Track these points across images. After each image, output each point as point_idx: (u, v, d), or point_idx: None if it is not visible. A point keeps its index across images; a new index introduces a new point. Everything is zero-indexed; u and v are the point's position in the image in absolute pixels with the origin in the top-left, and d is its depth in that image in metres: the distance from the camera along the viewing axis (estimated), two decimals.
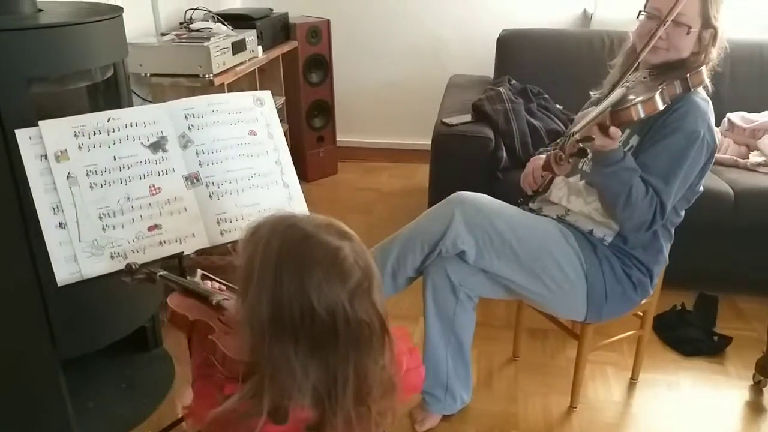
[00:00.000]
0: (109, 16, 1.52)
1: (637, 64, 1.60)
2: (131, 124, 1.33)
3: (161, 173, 1.34)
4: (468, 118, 2.47)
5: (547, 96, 2.65)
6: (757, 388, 1.96)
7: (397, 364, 0.91)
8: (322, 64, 3.43)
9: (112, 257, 1.26)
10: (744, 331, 2.22)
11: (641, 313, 1.89)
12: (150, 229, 1.31)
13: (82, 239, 1.24)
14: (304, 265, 0.80)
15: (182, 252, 1.32)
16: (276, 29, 3.12)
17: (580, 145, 1.40)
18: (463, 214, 1.62)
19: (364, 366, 0.83)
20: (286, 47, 3.18)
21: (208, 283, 1.15)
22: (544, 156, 1.65)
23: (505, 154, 2.36)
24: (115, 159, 1.30)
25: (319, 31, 3.36)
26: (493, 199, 1.70)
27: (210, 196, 1.38)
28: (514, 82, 2.72)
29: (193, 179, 1.37)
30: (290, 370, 0.80)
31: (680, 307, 2.29)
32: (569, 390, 1.92)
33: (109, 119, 1.31)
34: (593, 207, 1.66)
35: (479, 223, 1.62)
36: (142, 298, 1.82)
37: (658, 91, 1.47)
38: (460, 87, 3.04)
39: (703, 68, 1.56)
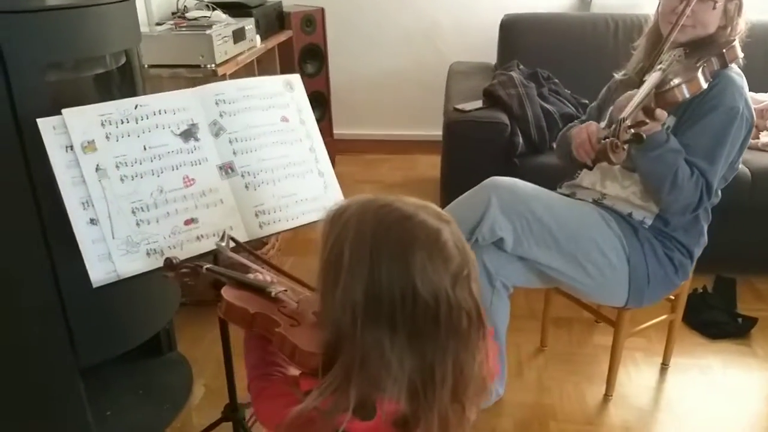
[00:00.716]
0: None
1: (665, 44, 1.56)
2: (160, 111, 1.23)
3: (194, 163, 1.25)
4: (480, 104, 2.42)
5: (557, 80, 2.61)
6: None
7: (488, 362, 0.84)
8: (317, 54, 3.34)
9: (148, 254, 1.17)
10: (765, 312, 2.21)
11: (672, 297, 1.86)
12: (186, 223, 1.22)
13: (115, 236, 1.15)
14: (405, 246, 0.73)
15: (218, 246, 1.23)
16: (271, 18, 3.02)
17: (633, 131, 1.35)
18: (500, 199, 1.56)
19: (462, 359, 0.76)
20: (281, 37, 3.07)
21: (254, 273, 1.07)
22: (594, 124, 1.60)
23: (521, 140, 2.31)
24: (145, 149, 1.20)
25: (313, 20, 3.27)
26: (528, 183, 1.65)
27: (246, 186, 1.29)
28: (522, 66, 2.67)
29: (227, 169, 1.28)
30: (384, 360, 0.73)
31: (702, 291, 2.27)
32: (600, 378, 1.88)
33: (136, 106, 1.21)
34: (631, 191, 1.61)
35: (517, 208, 1.56)
36: (159, 301, 1.72)
37: (699, 70, 1.43)
38: (464, 74, 2.98)
39: (736, 42, 1.53)
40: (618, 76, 1.80)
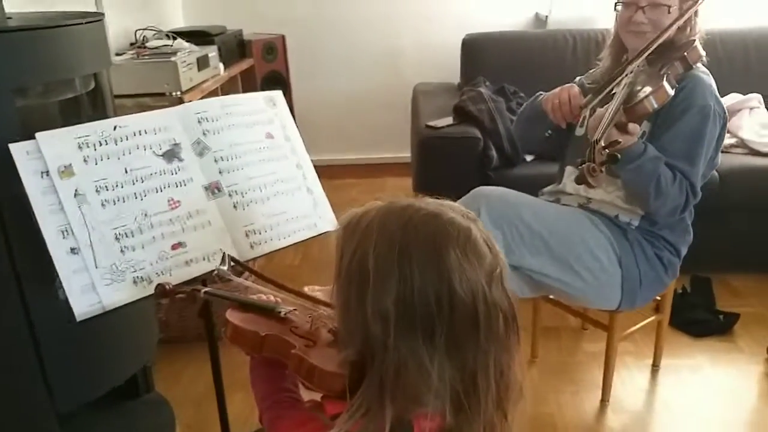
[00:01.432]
0: (91, 20, 1.36)
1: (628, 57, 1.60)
2: (140, 131, 1.17)
3: (179, 184, 1.19)
4: (450, 120, 2.42)
5: (522, 95, 2.65)
6: None
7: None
8: (279, 80, 3.30)
9: (135, 282, 1.10)
10: (744, 308, 2.24)
11: (658, 298, 1.86)
12: (174, 247, 1.15)
13: (99, 265, 1.07)
14: (438, 245, 0.69)
15: (214, 270, 1.16)
16: (232, 46, 2.98)
17: (607, 152, 1.35)
18: (489, 208, 1.54)
19: (503, 363, 0.72)
20: (243, 65, 3.04)
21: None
22: (576, 87, 1.61)
23: (495, 153, 2.32)
24: (126, 171, 1.14)
25: (274, 48, 3.25)
26: (514, 191, 1.64)
27: (234, 206, 1.23)
28: (488, 83, 2.70)
29: (213, 189, 1.22)
30: (422, 372, 0.69)
31: (681, 291, 2.30)
32: (594, 384, 1.86)
33: (115, 127, 1.15)
34: (615, 195, 1.62)
35: (506, 216, 1.54)
36: (138, 338, 1.62)
37: (664, 78, 1.45)
38: (429, 93, 3.00)
39: (697, 42, 1.57)
40: (585, 81, 1.82)
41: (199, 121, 1.24)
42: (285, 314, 0.91)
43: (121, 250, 1.10)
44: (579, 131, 1.73)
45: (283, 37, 3.29)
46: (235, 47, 3.01)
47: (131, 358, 1.61)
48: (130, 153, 1.15)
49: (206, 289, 1.00)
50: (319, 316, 0.88)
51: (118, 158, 1.14)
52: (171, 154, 1.19)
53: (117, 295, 1.08)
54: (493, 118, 2.37)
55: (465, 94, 2.52)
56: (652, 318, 1.90)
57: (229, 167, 1.24)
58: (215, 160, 1.23)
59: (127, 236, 1.11)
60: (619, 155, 1.34)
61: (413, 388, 0.69)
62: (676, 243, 1.63)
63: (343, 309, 0.74)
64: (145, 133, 1.18)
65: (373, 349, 0.70)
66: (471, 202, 1.58)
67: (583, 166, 1.32)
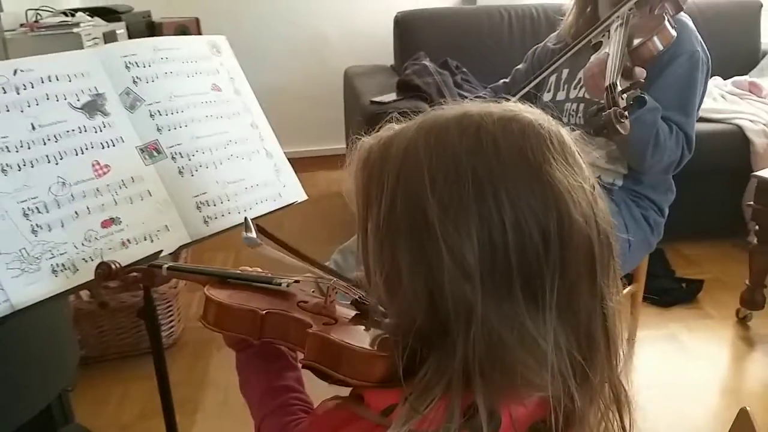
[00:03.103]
0: None
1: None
2: (50, 77, 0.90)
3: (106, 145, 0.92)
4: (395, 96, 2.24)
5: (465, 69, 2.52)
6: (743, 324, 1.93)
7: None
8: None
9: (54, 272, 0.82)
10: (701, 275, 2.21)
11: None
12: (104, 224, 0.88)
13: (2, 250, 0.79)
14: (533, 159, 0.49)
15: (160, 251, 0.91)
16: (141, 27, 2.66)
17: (627, 95, 1.22)
18: None
19: (612, 314, 0.53)
20: None
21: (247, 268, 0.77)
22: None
23: None
24: (34, 128, 0.86)
25: (187, 31, 2.94)
26: None
27: (180, 172, 0.98)
28: (429, 59, 2.55)
29: (151, 151, 0.96)
30: (527, 342, 0.49)
31: None
32: None
33: (15, 71, 0.87)
34: (595, 156, 1.49)
35: None
36: (54, 359, 1.31)
37: (665, 19, 1.35)
38: (364, 74, 2.81)
39: None
40: (551, 45, 1.70)
41: (126, 66, 0.97)
42: (288, 286, 0.68)
43: (33, 230, 0.82)
44: (546, 96, 1.61)
45: (197, 21, 2.99)
46: (144, 28, 2.69)
47: (46, 383, 1.30)
48: (37, 104, 0.87)
49: (170, 263, 0.75)
50: (333, 287, 0.66)
51: (22, 111, 0.86)
52: (93, 107, 0.92)
53: (30, 289, 0.80)
54: (441, 92, 2.22)
55: (408, 68, 2.35)
56: (627, 289, 1.80)
57: (169, 124, 0.99)
58: (151, 115, 0.97)
59: (39, 212, 0.83)
60: (644, 95, 1.21)
61: (514, 367, 0.49)
62: (659, 202, 1.53)
63: (388, 273, 0.52)
64: (57, 79, 0.90)
65: (445, 321, 0.50)
66: None
67: (607, 112, 1.17)
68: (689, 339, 1.89)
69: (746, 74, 2.68)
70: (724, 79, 2.66)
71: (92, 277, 0.83)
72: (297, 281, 0.69)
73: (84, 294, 1.81)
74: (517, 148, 0.49)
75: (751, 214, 1.84)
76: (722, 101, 2.49)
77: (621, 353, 0.54)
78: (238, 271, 0.73)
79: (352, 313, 0.63)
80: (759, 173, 1.81)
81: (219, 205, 1.00)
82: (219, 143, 1.04)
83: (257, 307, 0.63)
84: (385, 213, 0.51)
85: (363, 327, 0.61)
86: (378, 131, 0.59)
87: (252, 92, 1.14)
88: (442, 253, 0.48)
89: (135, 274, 0.75)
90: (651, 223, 1.51)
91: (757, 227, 1.82)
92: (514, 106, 0.53)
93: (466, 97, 2.02)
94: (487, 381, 0.49)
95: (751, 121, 2.29)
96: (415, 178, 0.50)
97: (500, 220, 0.47)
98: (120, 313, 1.85)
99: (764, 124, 2.27)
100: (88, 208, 0.87)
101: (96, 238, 0.87)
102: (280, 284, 0.68)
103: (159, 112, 0.98)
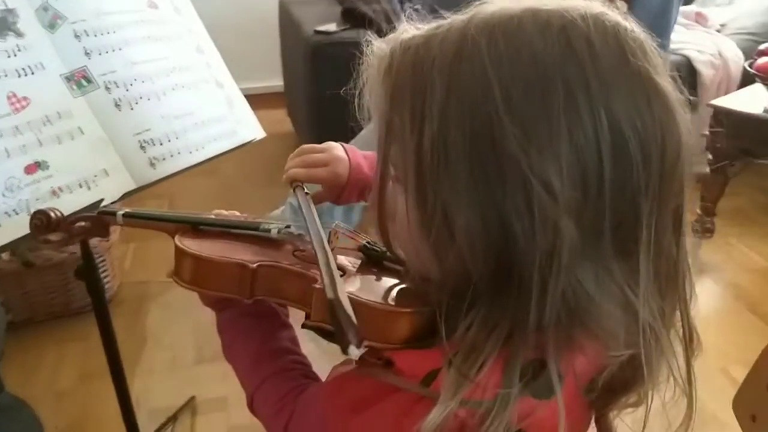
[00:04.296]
0: None
1: None
2: None
3: (22, 73, 0.75)
4: (340, 26, 2.08)
5: None
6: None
7: None
8: None
9: None
10: None
11: None
12: (29, 170, 0.73)
13: None
14: (625, 58, 0.39)
15: (100, 201, 0.76)
16: None
17: None
18: None
19: (686, 251, 0.45)
20: None
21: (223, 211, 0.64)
22: None
23: None
24: None
25: None
26: None
27: (117, 105, 0.82)
28: None
29: (79, 80, 0.80)
30: (613, 289, 0.40)
31: None
32: None
33: None
34: None
35: None
36: None
37: None
38: (302, 3, 2.60)
39: None
40: None
41: None
42: (279, 232, 0.56)
43: None
44: None
45: None
46: None
47: None
48: None
49: (126, 209, 0.61)
50: (335, 231, 0.55)
51: None
52: (2, 26, 0.75)
53: None
54: (390, 20, 2.07)
55: None
56: None
57: (99, 46, 0.82)
58: (76, 36, 0.81)
59: None
60: None
61: (599, 320, 0.40)
62: None
63: (433, 219, 0.42)
64: None
65: (511, 271, 0.40)
66: None
67: None
68: None
69: (691, 3, 2.67)
70: None
71: (18, 233, 0.69)
72: (288, 227, 0.57)
73: (5, 253, 1.62)
74: (617, 51, 0.39)
75: (706, 143, 1.84)
76: None
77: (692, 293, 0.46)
78: (212, 216, 0.61)
79: (357, 261, 0.53)
80: (714, 102, 1.80)
81: (166, 144, 0.85)
82: (160, 70, 0.88)
83: (245, 259, 0.51)
84: (432, 140, 0.40)
85: (374, 277, 0.51)
86: (388, 34, 0.47)
87: (195, 13, 0.98)
88: (521, 186, 0.38)
89: (82, 223, 0.61)
90: None
91: (710, 156, 1.83)
92: (578, 2, 0.42)
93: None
94: (560, 336, 0.40)
95: (698, 51, 2.28)
96: (479, 92, 0.39)
97: (595, 140, 0.38)
98: (47, 272, 1.67)
99: (711, 55, 2.27)
100: (6, 150, 0.72)
101: (19, 187, 0.72)
102: (269, 230, 0.56)
103: (86, 32, 0.82)
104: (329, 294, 0.38)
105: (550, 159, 0.37)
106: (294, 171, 0.65)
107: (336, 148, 0.69)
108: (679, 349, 0.45)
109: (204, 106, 0.92)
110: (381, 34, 1.65)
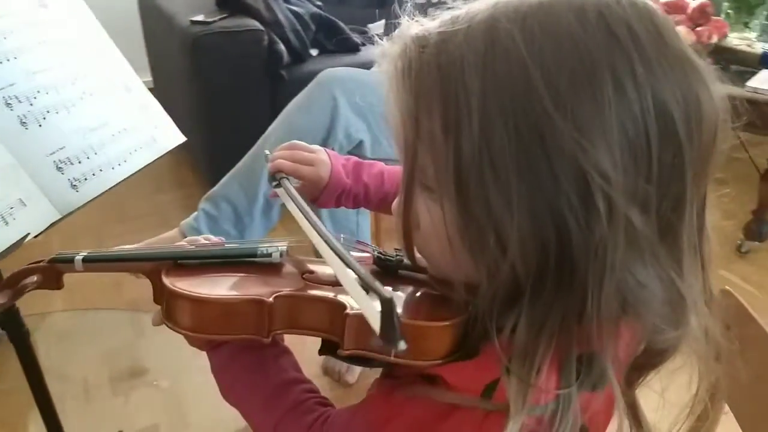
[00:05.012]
0: None
1: None
2: None
3: None
4: (217, 15, 1.95)
5: None
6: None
7: None
8: None
9: None
10: None
11: None
12: None
13: None
14: (672, 46, 0.39)
15: (25, 236, 0.65)
16: None
17: None
18: (347, 94, 1.25)
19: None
20: None
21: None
22: None
23: (283, 48, 1.96)
24: None
25: None
26: (362, 69, 1.36)
27: (23, 123, 0.71)
28: None
29: None
30: (662, 274, 0.40)
31: None
32: None
33: None
34: None
35: (367, 100, 1.26)
36: None
37: None
38: None
39: None
40: None
41: None
42: (281, 255, 0.51)
43: None
44: None
45: None
46: None
47: None
48: None
49: (85, 253, 0.52)
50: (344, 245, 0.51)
51: None
52: None
53: None
54: (269, 7, 1.98)
55: None
56: None
57: None
58: None
59: None
60: None
61: (650, 307, 0.40)
62: None
63: (475, 222, 0.39)
64: None
65: (561, 266, 0.39)
66: (321, 90, 1.26)
67: None
68: None
69: None
70: None
71: None
72: (285, 245, 0.52)
73: None
74: (656, 34, 0.38)
75: None
76: None
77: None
78: (192, 247, 0.54)
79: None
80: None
81: (85, 162, 0.75)
82: (64, 78, 0.78)
83: (258, 293, 0.46)
84: (472, 145, 0.38)
85: (399, 291, 0.48)
86: (393, 31, 0.44)
87: (88, 10, 0.87)
88: (575, 180, 0.37)
89: (33, 278, 0.52)
90: None
91: None
92: None
93: (297, 12, 1.84)
94: (609, 326, 0.40)
95: None
96: (520, 88, 0.37)
97: (644, 125, 0.37)
98: None
99: None
100: None
101: None
102: (269, 254, 0.51)
103: None
104: (385, 294, 0.35)
105: (603, 149, 0.37)
106: (281, 162, 0.65)
107: (322, 152, 0.69)
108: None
109: (117, 114, 0.82)
110: (262, 21, 1.59)
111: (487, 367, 0.41)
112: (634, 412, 0.48)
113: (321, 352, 0.48)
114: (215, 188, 1.32)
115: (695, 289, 0.42)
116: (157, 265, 0.50)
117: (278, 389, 0.52)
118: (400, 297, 0.47)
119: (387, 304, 0.34)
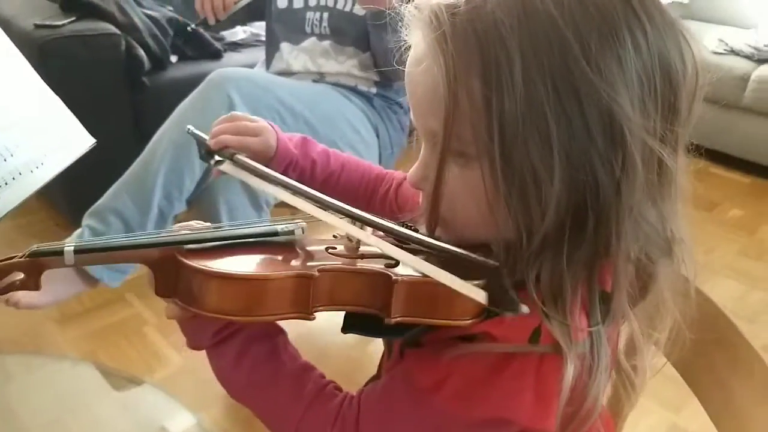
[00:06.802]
0: None
1: None
2: None
3: None
4: (64, 18, 1.78)
5: None
6: None
7: None
8: None
9: None
10: None
11: None
12: None
13: None
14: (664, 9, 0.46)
15: None
16: None
17: None
18: (241, 93, 1.23)
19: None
20: None
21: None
22: None
23: (144, 53, 1.84)
24: None
25: None
26: (254, 70, 1.34)
27: None
28: None
29: None
30: (663, 212, 0.47)
31: None
32: None
33: None
34: (350, 64, 1.48)
35: (263, 99, 1.26)
36: None
37: None
38: None
39: None
40: None
41: None
42: (303, 231, 0.50)
43: None
44: (282, 3, 1.50)
45: None
46: None
47: None
48: None
49: (72, 245, 0.45)
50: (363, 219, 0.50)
51: None
52: None
53: None
54: (123, 10, 1.85)
55: None
56: None
57: None
58: None
59: None
60: None
61: (655, 241, 0.47)
62: (404, 102, 1.63)
63: (517, 178, 0.43)
64: None
65: (587, 212, 0.44)
66: (215, 90, 1.23)
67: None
68: None
69: None
70: None
71: None
72: (299, 220, 0.51)
73: None
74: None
75: None
76: None
77: None
78: (212, 229, 0.50)
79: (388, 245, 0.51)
80: None
81: (2, 165, 0.67)
82: None
83: (293, 269, 0.45)
84: (517, 105, 0.41)
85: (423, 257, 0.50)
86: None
87: None
88: (607, 128, 0.42)
89: (19, 277, 0.44)
90: (403, 125, 1.60)
91: None
92: None
93: (153, 17, 1.78)
94: (621, 264, 0.46)
95: None
96: (556, 48, 0.41)
97: (652, 76, 0.43)
98: None
99: None
100: None
101: None
102: (291, 231, 0.50)
103: None
104: (491, 262, 0.37)
105: (626, 99, 0.42)
106: (225, 137, 0.60)
107: (263, 121, 0.66)
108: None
109: (27, 112, 0.74)
110: (117, 25, 1.53)
111: (517, 319, 0.44)
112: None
113: (345, 329, 0.48)
114: (100, 201, 1.21)
115: (682, 226, 0.49)
116: (167, 252, 0.46)
117: (298, 377, 0.51)
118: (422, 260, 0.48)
119: (496, 272, 0.37)
